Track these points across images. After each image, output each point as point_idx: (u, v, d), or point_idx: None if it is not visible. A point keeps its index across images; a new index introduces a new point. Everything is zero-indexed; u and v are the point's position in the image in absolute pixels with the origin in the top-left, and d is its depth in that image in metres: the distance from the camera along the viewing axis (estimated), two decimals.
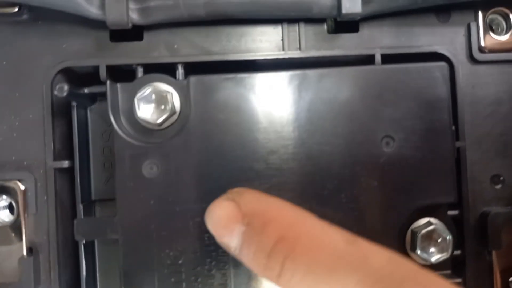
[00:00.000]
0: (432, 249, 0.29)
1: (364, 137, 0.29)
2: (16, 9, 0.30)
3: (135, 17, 0.29)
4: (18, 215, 0.30)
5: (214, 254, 0.28)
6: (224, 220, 0.23)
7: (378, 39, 0.31)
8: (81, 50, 0.31)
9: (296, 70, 0.29)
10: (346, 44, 0.31)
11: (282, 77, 0.29)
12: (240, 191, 0.24)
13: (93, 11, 0.29)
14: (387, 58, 0.31)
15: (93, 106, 0.32)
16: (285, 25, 0.31)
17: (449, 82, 0.30)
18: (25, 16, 0.30)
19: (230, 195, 0.24)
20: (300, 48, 0.31)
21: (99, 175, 0.32)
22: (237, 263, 0.28)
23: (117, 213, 0.28)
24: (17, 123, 0.30)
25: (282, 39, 0.31)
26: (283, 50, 0.31)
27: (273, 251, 0.21)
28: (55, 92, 0.28)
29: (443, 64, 0.29)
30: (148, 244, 0.28)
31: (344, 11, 0.29)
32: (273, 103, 0.29)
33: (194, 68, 0.30)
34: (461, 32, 0.32)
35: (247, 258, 0.23)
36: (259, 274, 0.22)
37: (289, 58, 0.31)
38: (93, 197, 0.32)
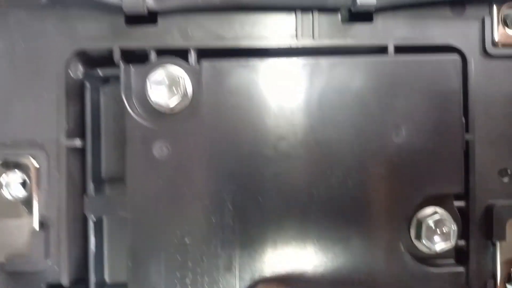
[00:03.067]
0: (437, 238, 0.29)
1: (374, 127, 0.29)
2: None
3: (150, 2, 0.30)
4: (31, 191, 0.31)
5: (220, 235, 0.29)
6: None
7: (392, 30, 0.31)
8: (96, 34, 0.31)
9: (308, 58, 0.29)
10: (360, 34, 0.31)
11: (295, 63, 0.29)
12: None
13: None
14: (400, 50, 0.31)
15: (106, 89, 0.33)
16: (299, 14, 0.31)
17: (461, 75, 0.30)
18: (43, 0, 0.31)
19: None
20: (313, 37, 0.31)
21: (110, 156, 0.33)
22: (242, 244, 0.29)
23: (127, 192, 0.29)
24: (32, 102, 0.31)
25: (296, 28, 0.31)
26: (296, 38, 0.31)
27: None
28: (70, 73, 0.28)
29: (455, 57, 0.29)
30: (156, 223, 0.29)
31: (359, 2, 0.29)
32: (284, 90, 0.29)
33: (207, 54, 0.31)
34: (475, 26, 0.31)
35: None
36: None
37: (302, 47, 0.31)
38: (103, 177, 0.33)
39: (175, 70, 0.29)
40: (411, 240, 0.30)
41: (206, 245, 0.29)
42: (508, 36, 0.31)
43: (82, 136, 0.31)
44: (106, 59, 0.31)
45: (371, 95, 0.29)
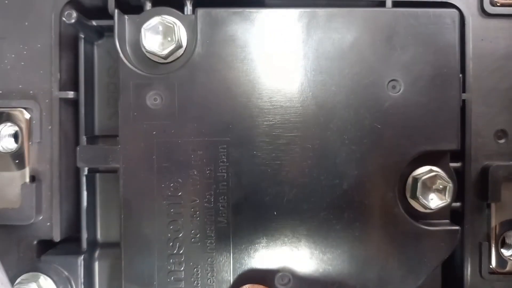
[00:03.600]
0: (432, 196, 0.29)
1: (370, 79, 0.29)
2: None
3: None
4: (22, 143, 0.30)
5: (214, 187, 0.28)
6: None
7: None
8: None
9: (305, 8, 0.29)
10: None
11: (291, 14, 0.29)
12: None
13: None
14: (398, 5, 0.30)
15: (100, 42, 0.32)
16: None
17: (459, 30, 0.29)
18: None
19: None
20: None
21: (103, 111, 0.33)
22: (235, 197, 0.28)
23: (119, 141, 0.28)
24: (25, 52, 0.30)
25: None
26: None
27: None
28: (64, 19, 0.28)
29: (454, 10, 0.29)
30: (149, 174, 0.28)
31: None
32: (280, 41, 0.29)
33: (203, 5, 0.30)
34: None
35: None
36: None
37: None
38: (96, 132, 0.32)
39: (170, 19, 0.29)
40: (407, 199, 0.30)
41: (200, 197, 0.28)
42: None
43: (75, 89, 0.31)
44: (100, 11, 0.31)
45: (368, 47, 0.28)
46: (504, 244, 0.32)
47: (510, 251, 0.32)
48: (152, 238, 0.28)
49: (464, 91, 0.31)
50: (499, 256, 0.32)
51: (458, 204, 0.31)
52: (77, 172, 0.32)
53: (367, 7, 0.30)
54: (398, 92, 0.29)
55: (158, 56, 0.28)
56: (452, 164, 0.31)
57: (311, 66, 0.29)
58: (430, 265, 0.29)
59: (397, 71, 0.29)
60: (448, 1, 0.31)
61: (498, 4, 0.31)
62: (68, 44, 0.31)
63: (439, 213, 0.30)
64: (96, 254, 0.32)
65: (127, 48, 0.29)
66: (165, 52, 0.28)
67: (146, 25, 0.28)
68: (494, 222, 0.32)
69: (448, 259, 0.32)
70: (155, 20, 0.28)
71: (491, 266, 0.32)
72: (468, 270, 0.32)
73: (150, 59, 0.29)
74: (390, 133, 0.29)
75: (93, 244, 0.32)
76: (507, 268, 0.32)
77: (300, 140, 0.28)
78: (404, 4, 0.30)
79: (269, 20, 0.29)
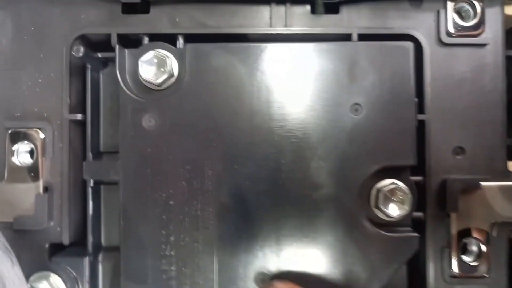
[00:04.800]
0: (392, 205, 0.33)
1: (336, 103, 0.33)
2: None
3: None
4: (37, 159, 0.35)
5: (200, 198, 0.33)
6: None
7: (356, 21, 0.35)
8: (96, 20, 0.35)
9: (279, 43, 0.33)
10: (327, 24, 0.35)
11: (268, 47, 0.33)
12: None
13: None
14: (364, 38, 0.34)
15: (105, 70, 0.37)
16: (274, 5, 0.35)
17: (414, 60, 0.33)
18: None
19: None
20: (286, 25, 0.35)
21: (107, 130, 0.37)
22: (218, 206, 0.33)
23: (120, 157, 0.33)
24: (40, 80, 0.35)
25: (271, 17, 0.35)
26: (271, 26, 0.35)
27: None
28: (73, 53, 0.33)
29: (409, 43, 0.33)
30: (144, 185, 0.33)
31: None
32: (258, 70, 0.33)
33: (193, 39, 0.35)
34: (431, 17, 0.35)
35: None
36: None
37: (276, 33, 0.35)
38: (101, 149, 0.37)
39: (163, 52, 0.33)
40: (371, 209, 0.34)
41: (188, 206, 0.33)
42: (461, 27, 0.35)
43: (83, 112, 0.36)
44: (104, 44, 0.35)
45: (334, 76, 0.33)
46: (465, 251, 0.36)
47: (471, 257, 0.35)
48: (147, 241, 0.33)
49: (423, 112, 0.35)
50: (461, 261, 0.35)
51: (420, 214, 0.35)
52: (84, 184, 0.36)
53: (336, 40, 0.35)
54: (360, 114, 0.33)
55: (153, 84, 0.33)
56: (414, 178, 0.35)
57: (283, 93, 0.33)
58: (392, 268, 0.33)
59: (359, 96, 0.33)
60: (408, 33, 0.35)
61: (454, 35, 0.35)
62: (77, 72, 0.36)
63: (401, 222, 0.34)
64: (100, 256, 0.36)
65: (127, 77, 0.34)
66: (159, 80, 0.33)
67: (143, 58, 0.33)
68: (454, 230, 0.35)
69: (414, 264, 0.35)
70: (150, 54, 0.33)
71: (452, 270, 0.35)
72: (432, 274, 0.35)
73: (146, 86, 0.33)
74: (354, 150, 0.33)
75: (97, 247, 0.37)
76: (469, 273, 0.35)
77: (275, 156, 0.33)
78: (369, 37, 0.34)
79: (247, 53, 0.33)
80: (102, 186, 0.37)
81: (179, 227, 0.33)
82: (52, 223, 0.35)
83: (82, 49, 0.33)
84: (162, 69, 0.33)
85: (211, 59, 0.33)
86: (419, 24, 0.35)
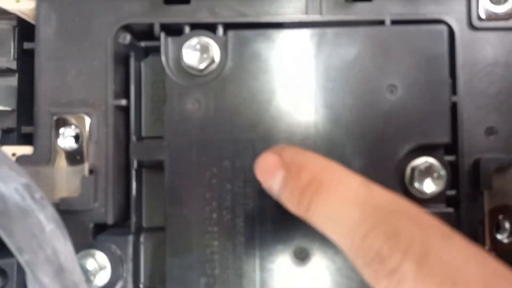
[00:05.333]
0: (427, 182, 0.34)
1: (371, 86, 0.34)
2: None
3: None
4: (83, 143, 0.37)
5: (242, 175, 0.34)
6: (269, 168, 0.29)
7: (388, 7, 0.36)
8: (139, 11, 0.37)
9: (315, 29, 0.35)
10: (361, 11, 0.36)
11: (304, 33, 0.35)
12: (282, 147, 0.31)
13: None
14: (396, 23, 0.36)
15: (146, 60, 0.39)
16: None
17: (448, 43, 0.34)
18: None
19: (274, 149, 0.30)
20: (321, 13, 0.37)
21: (149, 117, 0.39)
22: (260, 183, 0.34)
23: (165, 138, 0.34)
24: (85, 69, 0.37)
25: (306, 5, 0.37)
26: (307, 14, 0.36)
27: (305, 189, 0.27)
28: (119, 40, 0.34)
29: (443, 26, 0.35)
30: (188, 166, 0.34)
31: None
32: (296, 55, 0.35)
33: (232, 29, 0.36)
34: (462, 3, 0.36)
35: (285, 197, 0.28)
36: (293, 210, 0.28)
37: (311, 21, 0.36)
38: (143, 134, 0.39)
39: (205, 39, 0.35)
40: (406, 186, 0.35)
41: (230, 183, 0.34)
42: (492, 10, 0.36)
43: (127, 98, 0.37)
44: (145, 34, 0.37)
45: (369, 59, 0.34)
46: (499, 229, 0.37)
47: (504, 233, 0.36)
48: (191, 218, 0.34)
49: (455, 94, 0.36)
50: (494, 238, 0.36)
51: (453, 192, 0.36)
52: (127, 167, 0.38)
53: (369, 25, 0.36)
54: (395, 95, 0.34)
55: (196, 69, 0.35)
56: (447, 157, 0.36)
57: (322, 76, 0.34)
58: None
59: (394, 78, 0.34)
60: (440, 19, 0.36)
61: (485, 19, 0.36)
62: (120, 61, 0.38)
63: (435, 199, 0.35)
64: (142, 236, 0.38)
65: (170, 64, 0.35)
66: (202, 66, 0.34)
67: (186, 45, 0.35)
68: (487, 208, 0.36)
69: None
70: (193, 41, 0.35)
71: (486, 248, 0.36)
72: None
73: (189, 72, 0.35)
74: (390, 130, 0.34)
75: (139, 228, 0.38)
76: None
77: (314, 136, 0.34)
78: (401, 23, 0.36)
79: (286, 38, 0.35)
80: (144, 169, 0.39)
81: (222, 204, 0.34)
82: (96, 204, 0.36)
83: (128, 36, 0.34)
84: (205, 55, 0.34)
85: (252, 45, 0.35)
86: (451, 10, 0.36)
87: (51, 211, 0.27)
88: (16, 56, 0.39)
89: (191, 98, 0.34)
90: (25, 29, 0.39)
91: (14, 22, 0.39)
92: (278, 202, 0.32)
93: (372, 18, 0.36)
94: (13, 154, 0.37)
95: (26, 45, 0.39)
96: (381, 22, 0.36)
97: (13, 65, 0.39)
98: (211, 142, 0.34)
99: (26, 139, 0.38)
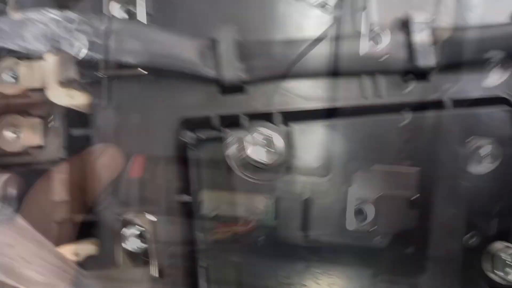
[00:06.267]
0: (510, 270, 0.33)
1: (449, 169, 0.35)
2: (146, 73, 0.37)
3: (243, 75, 0.36)
4: (148, 242, 0.36)
5: None
6: None
7: (444, 85, 0.37)
8: (196, 103, 0.37)
9: (381, 115, 0.35)
10: (418, 91, 0.37)
11: (364, 122, 0.36)
12: None
13: (210, 71, 0.36)
14: (455, 103, 0.36)
15: (204, 148, 0.38)
16: (363, 76, 0.37)
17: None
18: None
19: None
20: (377, 96, 0.37)
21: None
22: None
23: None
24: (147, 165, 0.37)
25: (362, 89, 0.37)
26: (366, 98, 0.37)
27: None
28: (184, 139, 0.34)
29: (506, 108, 0.35)
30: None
31: (420, 64, 0.35)
32: (358, 142, 0.36)
33: (290, 115, 0.36)
34: None
35: None
36: None
37: (369, 105, 0.36)
38: None
39: (268, 132, 0.35)
40: (484, 272, 0.34)
41: None
42: None
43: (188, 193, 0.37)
44: (202, 123, 0.37)
45: (442, 144, 0.35)
46: None
47: None
48: None
49: None
50: None
51: None
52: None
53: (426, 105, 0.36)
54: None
55: (261, 163, 0.34)
56: None
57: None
58: None
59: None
60: (499, 96, 0.36)
61: None
62: (180, 153, 0.37)
63: None
64: None
65: (233, 157, 0.35)
66: (268, 160, 0.34)
67: (249, 139, 0.35)
68: None
69: None
70: (255, 134, 0.35)
71: None
72: None
73: (254, 166, 0.35)
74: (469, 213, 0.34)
75: None
76: None
77: None
78: (460, 102, 0.36)
79: (345, 127, 0.36)
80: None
81: None
82: None
83: (191, 134, 0.34)
84: (269, 148, 0.34)
85: (314, 135, 0.35)
86: (508, 86, 0.36)
87: None
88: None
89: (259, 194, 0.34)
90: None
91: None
92: None
93: (429, 98, 0.36)
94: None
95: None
96: (439, 102, 0.36)
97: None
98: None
99: None
